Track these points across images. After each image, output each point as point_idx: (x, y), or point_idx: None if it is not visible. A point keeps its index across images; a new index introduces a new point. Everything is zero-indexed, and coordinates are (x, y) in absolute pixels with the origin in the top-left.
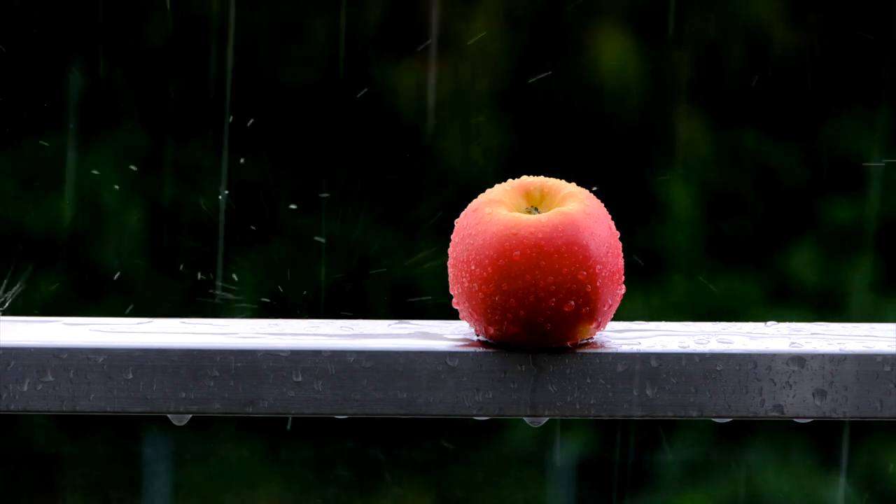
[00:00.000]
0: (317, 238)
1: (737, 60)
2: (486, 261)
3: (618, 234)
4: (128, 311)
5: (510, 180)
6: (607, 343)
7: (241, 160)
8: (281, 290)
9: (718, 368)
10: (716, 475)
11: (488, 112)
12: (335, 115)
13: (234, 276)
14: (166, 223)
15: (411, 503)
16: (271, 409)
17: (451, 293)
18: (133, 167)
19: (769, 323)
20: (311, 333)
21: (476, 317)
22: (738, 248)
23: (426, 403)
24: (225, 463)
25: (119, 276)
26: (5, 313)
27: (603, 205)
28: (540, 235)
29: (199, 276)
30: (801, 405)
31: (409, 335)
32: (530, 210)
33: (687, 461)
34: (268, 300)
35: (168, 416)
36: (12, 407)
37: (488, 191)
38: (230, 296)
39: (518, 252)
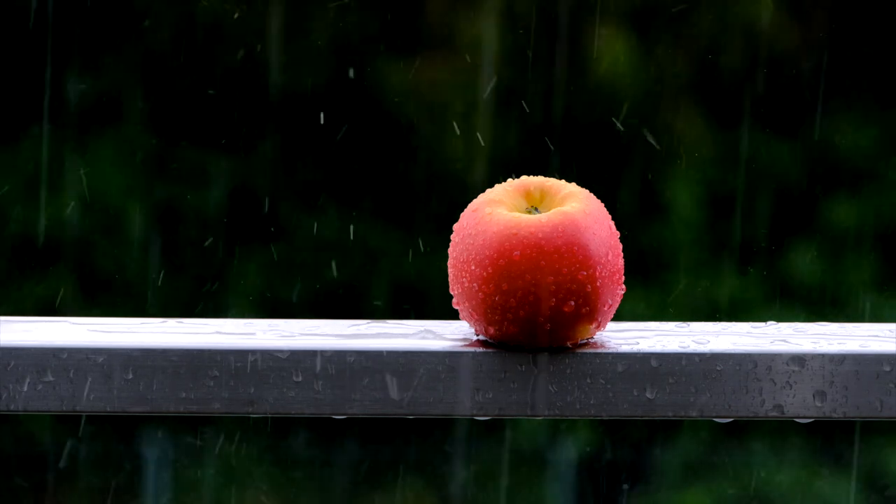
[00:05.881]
0: (317, 238)
1: (737, 60)
2: (486, 261)
3: (618, 234)
4: (128, 311)
5: (510, 180)
6: (607, 343)
7: (242, 161)
8: (281, 290)
9: (718, 368)
10: (716, 475)
11: (489, 112)
12: (335, 115)
13: (235, 276)
14: (167, 223)
15: (411, 503)
16: (271, 409)
17: (451, 293)
18: (135, 167)
19: (769, 323)
20: (311, 333)
21: (476, 317)
22: (738, 247)
23: (426, 403)
24: (225, 463)
25: (120, 277)
26: (5, 313)
27: (603, 205)
28: (540, 235)
29: (200, 276)
30: (801, 405)
31: (409, 335)
32: (530, 210)
33: (687, 461)
34: (268, 300)
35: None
36: (12, 407)
37: (488, 191)
38: (231, 296)
39: (518, 252)
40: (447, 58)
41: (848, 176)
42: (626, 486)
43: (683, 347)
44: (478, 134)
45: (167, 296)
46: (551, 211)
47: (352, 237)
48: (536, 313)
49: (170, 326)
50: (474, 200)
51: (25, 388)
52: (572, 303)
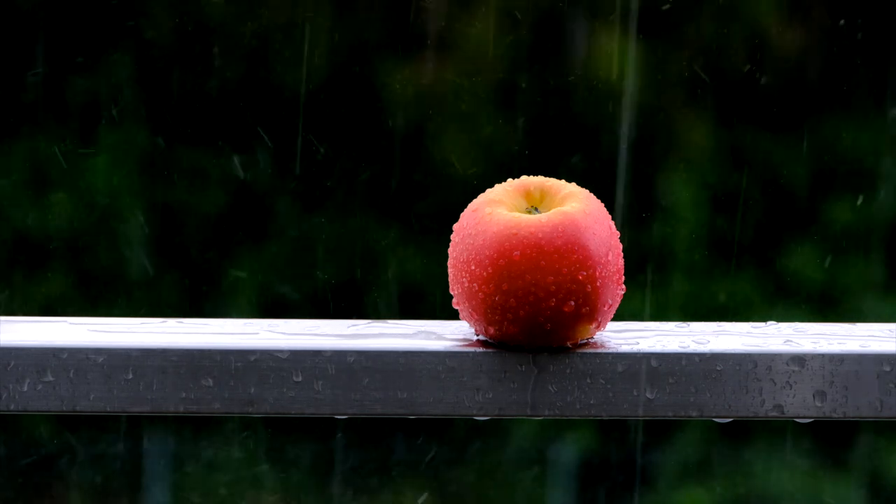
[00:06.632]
0: (317, 238)
1: (737, 60)
2: (486, 261)
3: (618, 234)
4: (128, 311)
5: (510, 180)
6: (607, 343)
7: (243, 160)
8: (281, 290)
9: (718, 368)
10: (716, 475)
11: (489, 112)
12: (336, 114)
13: (235, 277)
14: (167, 223)
15: (411, 503)
16: (271, 410)
17: (451, 293)
18: (135, 167)
19: (769, 323)
20: (311, 333)
21: (476, 317)
22: (738, 247)
23: (426, 403)
24: (225, 463)
25: (120, 277)
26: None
27: (603, 205)
28: (540, 235)
29: (200, 276)
30: (801, 405)
31: (409, 335)
32: (530, 210)
33: (687, 461)
34: (268, 300)
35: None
36: (12, 407)
37: (488, 191)
38: (231, 296)
39: (518, 252)
40: (447, 58)
41: (848, 176)
42: (625, 487)
43: (683, 347)
44: (478, 134)
45: (167, 296)
46: (551, 211)
47: (352, 237)
48: (536, 313)
49: (170, 326)
50: (474, 200)
51: (25, 388)
52: (572, 303)
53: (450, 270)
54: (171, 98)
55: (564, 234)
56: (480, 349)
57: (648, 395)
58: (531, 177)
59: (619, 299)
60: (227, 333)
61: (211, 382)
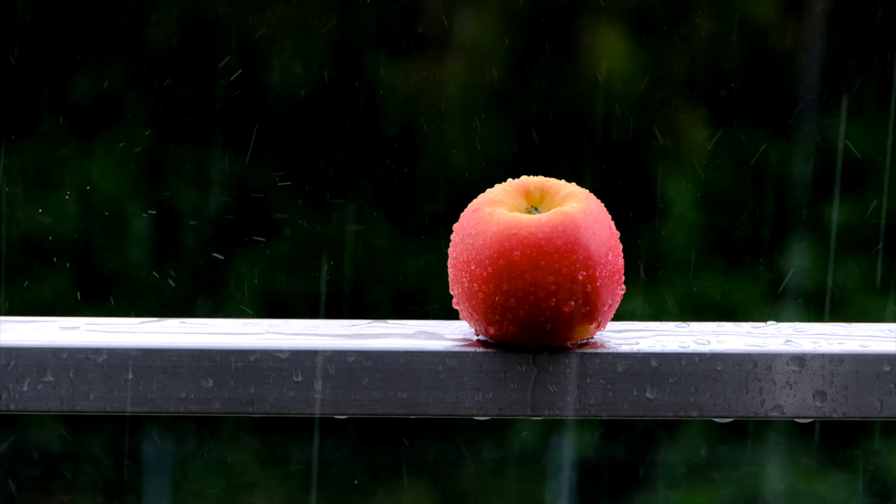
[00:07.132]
0: (316, 238)
1: (736, 59)
2: (486, 261)
3: (618, 234)
4: (128, 311)
5: (510, 180)
6: (607, 343)
7: (243, 161)
8: (281, 290)
9: (718, 368)
10: (716, 475)
11: (488, 112)
12: (335, 115)
13: (235, 276)
14: (167, 223)
15: (411, 503)
16: (271, 410)
17: (451, 293)
18: (135, 167)
19: (769, 323)
20: (311, 333)
21: (476, 317)
22: (738, 248)
23: (426, 403)
24: (225, 463)
25: (120, 277)
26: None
27: (603, 205)
28: (540, 235)
29: (200, 276)
30: (801, 405)
31: (409, 335)
32: (530, 210)
33: (687, 461)
34: (268, 300)
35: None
36: (12, 407)
37: (488, 191)
38: (231, 296)
39: (518, 252)
40: (447, 57)
41: (848, 176)
42: (625, 487)
43: (683, 347)
44: (477, 134)
45: (167, 296)
46: (551, 211)
47: (352, 237)
48: (536, 313)
49: (170, 326)
50: (474, 200)
51: (25, 388)
52: (572, 303)
53: (450, 270)
54: (173, 98)
55: (564, 234)
56: (480, 349)
57: (648, 395)
58: (531, 177)
59: (619, 299)
60: (227, 333)
61: (211, 382)
